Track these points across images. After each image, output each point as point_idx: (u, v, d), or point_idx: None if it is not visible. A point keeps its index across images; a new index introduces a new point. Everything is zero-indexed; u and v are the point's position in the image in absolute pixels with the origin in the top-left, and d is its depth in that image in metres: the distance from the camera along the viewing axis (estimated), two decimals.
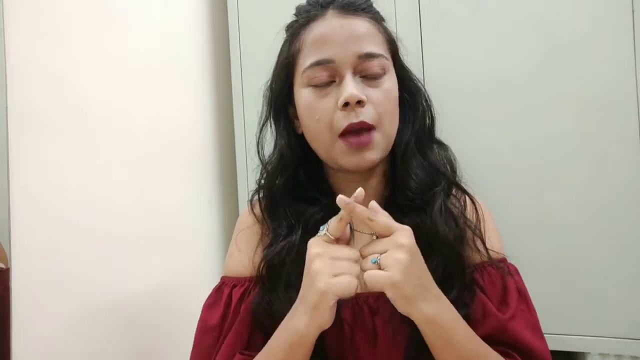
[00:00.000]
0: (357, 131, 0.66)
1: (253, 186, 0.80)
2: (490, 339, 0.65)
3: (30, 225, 0.84)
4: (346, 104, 0.65)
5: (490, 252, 0.70)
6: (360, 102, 0.65)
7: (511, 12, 1.05)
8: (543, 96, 1.03)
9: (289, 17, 0.76)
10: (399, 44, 0.74)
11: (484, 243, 0.70)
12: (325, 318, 0.57)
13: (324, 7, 0.69)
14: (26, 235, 0.83)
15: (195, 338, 0.73)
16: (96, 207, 0.96)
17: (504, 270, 0.71)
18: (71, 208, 0.91)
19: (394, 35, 0.74)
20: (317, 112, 0.68)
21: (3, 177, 0.80)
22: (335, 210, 0.62)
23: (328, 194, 0.72)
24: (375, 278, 0.56)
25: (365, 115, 0.66)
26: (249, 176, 1.27)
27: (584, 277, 1.01)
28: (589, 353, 1.02)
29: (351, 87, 0.65)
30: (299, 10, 0.73)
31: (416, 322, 0.59)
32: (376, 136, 0.67)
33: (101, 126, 0.99)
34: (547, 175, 1.03)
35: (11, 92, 0.82)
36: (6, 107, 0.81)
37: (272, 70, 0.76)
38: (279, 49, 0.76)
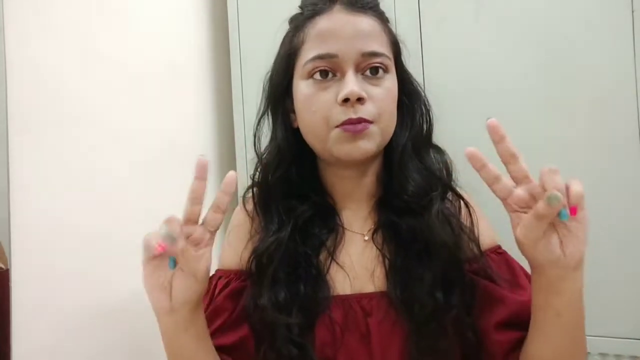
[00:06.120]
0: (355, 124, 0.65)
1: None
2: (509, 322, 0.66)
3: (30, 225, 0.84)
4: (346, 100, 0.64)
5: (486, 247, 0.72)
6: (360, 99, 0.64)
7: (511, 14, 1.05)
8: (543, 97, 1.03)
9: (288, 17, 0.76)
10: (402, 47, 0.73)
11: (479, 247, 0.70)
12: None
13: (331, 2, 0.69)
14: (26, 235, 0.83)
15: None
16: (96, 207, 0.96)
17: (504, 254, 0.72)
18: (71, 208, 0.91)
19: (397, 37, 0.73)
20: (314, 104, 0.67)
21: (3, 177, 0.80)
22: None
23: (319, 192, 0.73)
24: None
25: (364, 112, 0.65)
26: (248, 177, 1.26)
27: (584, 277, 1.01)
28: (589, 353, 1.02)
29: (352, 84, 0.64)
30: (305, 3, 0.72)
31: (562, 293, 0.62)
32: (373, 128, 0.66)
33: (101, 127, 0.99)
34: None
35: (11, 92, 0.82)
36: (6, 107, 0.81)
37: (272, 62, 0.75)
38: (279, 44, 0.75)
